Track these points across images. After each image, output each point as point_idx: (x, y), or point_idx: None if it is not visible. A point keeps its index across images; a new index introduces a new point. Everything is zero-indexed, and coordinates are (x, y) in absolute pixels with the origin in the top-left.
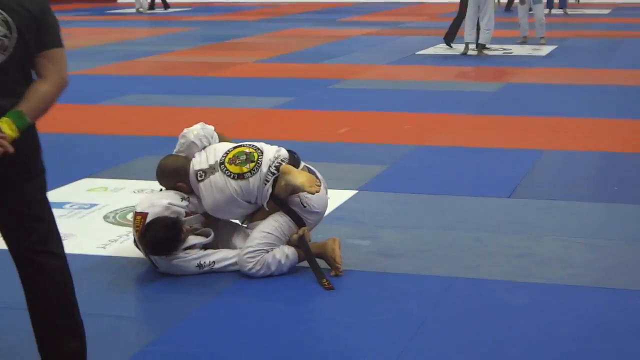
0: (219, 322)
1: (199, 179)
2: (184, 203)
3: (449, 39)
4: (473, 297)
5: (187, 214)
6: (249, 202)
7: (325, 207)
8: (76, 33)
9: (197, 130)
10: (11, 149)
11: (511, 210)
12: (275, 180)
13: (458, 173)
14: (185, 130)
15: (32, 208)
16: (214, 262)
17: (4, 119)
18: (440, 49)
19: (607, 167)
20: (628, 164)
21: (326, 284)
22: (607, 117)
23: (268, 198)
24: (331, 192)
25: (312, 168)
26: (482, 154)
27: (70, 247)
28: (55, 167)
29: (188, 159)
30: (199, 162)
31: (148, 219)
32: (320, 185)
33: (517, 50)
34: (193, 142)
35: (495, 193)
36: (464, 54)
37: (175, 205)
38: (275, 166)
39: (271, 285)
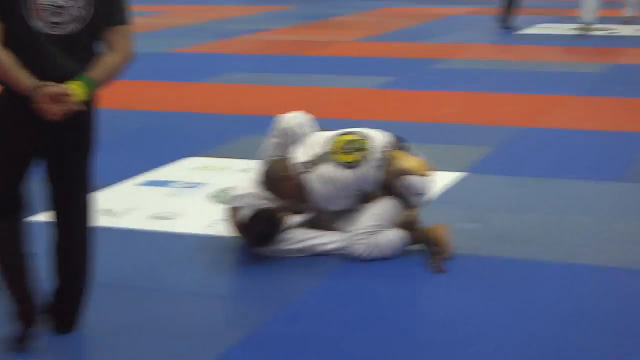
0: (330, 304)
1: (305, 170)
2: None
3: (505, 21)
4: (599, 284)
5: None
6: (359, 190)
7: (430, 189)
8: (173, 11)
9: (293, 119)
10: (81, 107)
11: (624, 194)
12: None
13: (568, 156)
14: (282, 116)
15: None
16: (321, 244)
17: (76, 81)
18: (544, 28)
19: None
20: None
21: (438, 266)
22: None
23: (379, 184)
24: (439, 174)
25: (416, 152)
26: (592, 136)
27: (177, 226)
28: (159, 145)
29: (289, 161)
30: (302, 153)
31: (242, 213)
32: (429, 170)
33: (622, 29)
34: (287, 129)
35: (607, 176)
36: (582, 34)
37: (263, 192)
38: (385, 152)
39: (380, 268)
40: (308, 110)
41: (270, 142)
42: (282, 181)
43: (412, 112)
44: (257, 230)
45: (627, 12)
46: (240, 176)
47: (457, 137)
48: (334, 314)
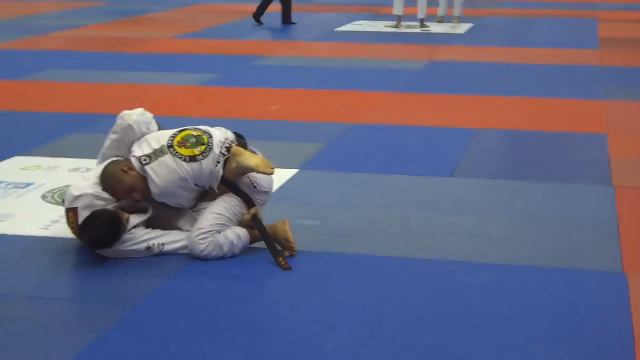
0: (177, 305)
1: (144, 163)
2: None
3: (258, 15)
4: (432, 278)
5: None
6: (199, 186)
7: (272, 186)
8: None
9: (136, 115)
10: None
11: (455, 190)
12: (225, 163)
13: (397, 152)
14: (125, 112)
15: None
16: (163, 244)
17: None
18: (359, 26)
19: (539, 145)
20: (559, 143)
21: (283, 263)
22: (534, 95)
23: (219, 180)
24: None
25: (255, 150)
26: (417, 133)
27: (10, 228)
28: None
29: (129, 159)
30: (140, 149)
31: (80, 215)
32: (273, 168)
33: (435, 28)
34: (131, 125)
35: (437, 172)
36: (396, 27)
37: (101, 193)
38: (226, 148)
39: (225, 266)
40: (134, 107)
41: (110, 140)
42: (121, 176)
43: (240, 110)
44: (95, 232)
45: (440, 11)
46: (72, 176)
47: (287, 135)
48: (180, 315)
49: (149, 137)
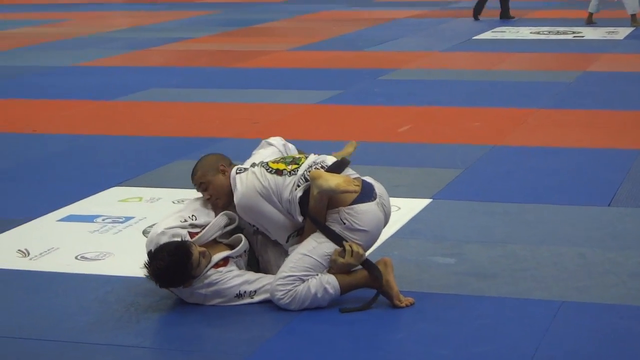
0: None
1: (238, 172)
2: (186, 222)
3: (478, 11)
4: (587, 324)
5: (191, 235)
6: (281, 204)
7: (377, 225)
8: (79, 18)
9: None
10: None
11: (614, 221)
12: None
13: (544, 178)
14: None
15: None
16: (255, 291)
17: None
18: (500, 32)
19: None
20: None
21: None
22: None
23: (298, 206)
24: (402, 202)
25: (367, 179)
26: (569, 156)
27: (108, 267)
28: (79, 174)
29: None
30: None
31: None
32: (358, 186)
33: (589, 33)
34: (268, 142)
35: (593, 201)
36: (590, 23)
37: (172, 227)
38: (309, 172)
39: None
40: (246, 130)
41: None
42: (212, 167)
43: (364, 131)
44: (159, 264)
45: (631, 9)
46: (177, 208)
47: (419, 159)
48: None
49: (262, 155)
